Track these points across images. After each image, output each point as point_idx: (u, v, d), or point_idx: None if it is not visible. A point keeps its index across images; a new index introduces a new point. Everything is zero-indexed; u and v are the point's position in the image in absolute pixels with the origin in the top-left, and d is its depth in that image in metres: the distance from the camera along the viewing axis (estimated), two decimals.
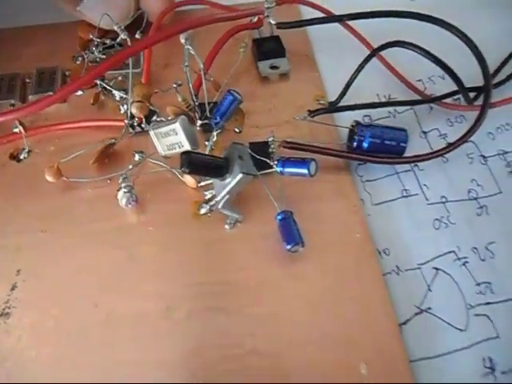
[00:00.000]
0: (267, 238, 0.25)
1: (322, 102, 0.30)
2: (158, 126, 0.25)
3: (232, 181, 0.23)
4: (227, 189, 0.24)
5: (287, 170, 0.24)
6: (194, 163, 0.22)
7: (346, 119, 0.29)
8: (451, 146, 0.27)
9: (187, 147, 0.24)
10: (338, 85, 0.30)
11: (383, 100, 0.31)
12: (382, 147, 0.27)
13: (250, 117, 0.30)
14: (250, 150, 0.26)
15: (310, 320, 0.23)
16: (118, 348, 0.23)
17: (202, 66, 0.27)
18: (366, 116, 0.30)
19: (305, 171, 0.24)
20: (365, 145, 0.27)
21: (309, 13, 0.33)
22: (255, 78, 0.31)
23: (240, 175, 0.23)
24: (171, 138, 0.24)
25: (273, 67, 0.31)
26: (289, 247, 0.23)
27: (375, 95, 0.31)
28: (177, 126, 0.24)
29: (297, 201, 0.27)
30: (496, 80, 0.31)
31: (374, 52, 0.28)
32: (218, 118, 0.25)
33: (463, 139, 0.27)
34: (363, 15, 0.31)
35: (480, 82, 0.29)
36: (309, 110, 0.28)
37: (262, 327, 0.23)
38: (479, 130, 0.29)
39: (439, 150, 0.27)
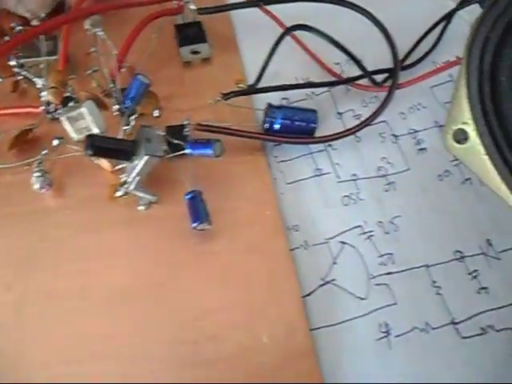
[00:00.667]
0: (181, 217, 0.26)
1: (240, 85, 0.31)
2: (68, 111, 0.25)
3: (139, 162, 0.24)
4: (136, 170, 0.25)
5: (195, 151, 0.25)
6: (97, 146, 0.23)
7: (266, 102, 0.30)
8: (357, 127, 0.28)
9: (95, 131, 0.25)
10: (259, 68, 0.31)
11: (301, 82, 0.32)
12: (293, 128, 0.28)
13: (171, 101, 0.31)
14: (164, 133, 0.26)
15: (220, 292, 0.24)
16: (28, 329, 0.23)
17: (113, 51, 0.27)
18: (284, 99, 0.31)
19: (210, 152, 0.25)
20: (276, 126, 0.28)
21: None
22: (178, 64, 0.32)
23: (145, 157, 0.24)
24: (80, 123, 0.25)
25: (194, 52, 0.32)
26: (194, 225, 0.24)
27: (294, 78, 0.32)
28: (83, 110, 0.24)
29: (212, 181, 0.28)
30: (410, 60, 0.32)
31: (283, 35, 0.29)
32: (128, 102, 0.26)
33: (370, 119, 0.28)
34: (279, 0, 0.31)
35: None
36: (222, 93, 0.28)
37: (175, 299, 0.24)
38: (391, 110, 0.31)
39: (346, 130, 0.28)
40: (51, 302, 0.24)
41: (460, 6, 0.34)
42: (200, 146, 0.25)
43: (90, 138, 0.23)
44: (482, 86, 0.26)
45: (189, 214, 0.25)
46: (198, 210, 0.24)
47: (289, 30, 0.27)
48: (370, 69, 0.32)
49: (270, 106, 0.28)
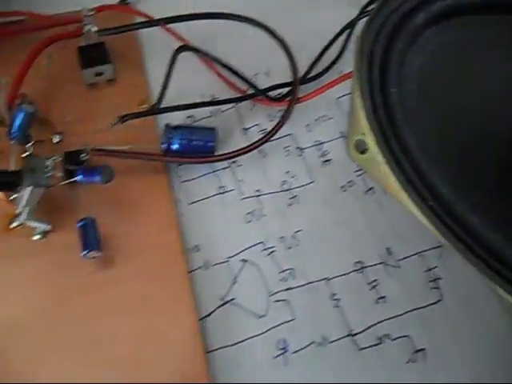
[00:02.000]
0: (77, 245, 0.25)
1: (143, 106, 0.31)
2: None
3: (24, 193, 0.24)
4: (23, 201, 0.24)
5: (84, 178, 0.25)
6: None
7: (173, 121, 0.29)
8: (257, 142, 0.28)
9: None
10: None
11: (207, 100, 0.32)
12: (192, 147, 0.28)
13: (74, 125, 0.30)
14: (61, 159, 0.26)
15: (114, 321, 0.24)
16: None
17: (3, 79, 0.27)
18: (189, 117, 0.31)
19: (97, 178, 0.24)
20: (175, 146, 0.28)
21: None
22: (82, 87, 0.31)
23: (29, 188, 0.24)
24: None
25: (98, 74, 0.31)
26: (84, 253, 0.24)
27: (200, 96, 0.32)
28: None
29: (111, 206, 0.27)
30: (317, 71, 0.32)
31: (173, 57, 0.28)
32: (14, 132, 0.25)
33: (269, 135, 0.28)
34: (180, 18, 0.31)
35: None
36: (119, 116, 0.28)
37: (68, 332, 0.24)
38: (297, 123, 0.31)
39: (247, 146, 0.28)
40: None
41: (361, 15, 0.35)
42: (88, 174, 0.24)
43: None
44: (373, 97, 0.27)
45: (79, 243, 0.25)
46: (88, 237, 0.24)
47: (177, 52, 0.27)
48: (276, 82, 0.32)
49: (167, 126, 0.28)
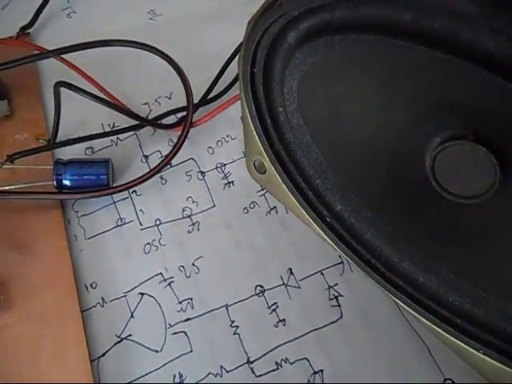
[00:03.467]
0: None
1: (42, 140, 0.30)
2: None
3: None
4: None
5: None
6: None
7: (72, 154, 0.29)
8: (153, 170, 0.28)
9: None
10: (65, 120, 0.29)
11: (108, 129, 0.32)
12: (84, 182, 0.28)
13: None
14: None
15: (5, 369, 0.23)
16: None
17: None
18: (88, 148, 0.31)
19: None
20: (66, 182, 0.27)
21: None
22: None
23: None
24: None
25: None
26: None
27: (101, 126, 0.32)
28: None
29: (5, 247, 0.27)
30: (218, 89, 0.32)
31: (54, 91, 0.28)
32: None
33: (161, 164, 0.28)
34: (72, 48, 0.31)
35: None
36: (7, 155, 0.28)
37: None
38: (199, 146, 0.31)
39: (141, 176, 0.28)
40: None
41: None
42: None
43: None
44: (263, 118, 0.26)
45: None
46: None
47: (56, 87, 0.27)
48: (179, 105, 0.32)
49: (56, 162, 0.27)
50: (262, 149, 0.28)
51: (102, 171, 0.27)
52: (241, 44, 0.33)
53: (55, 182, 0.27)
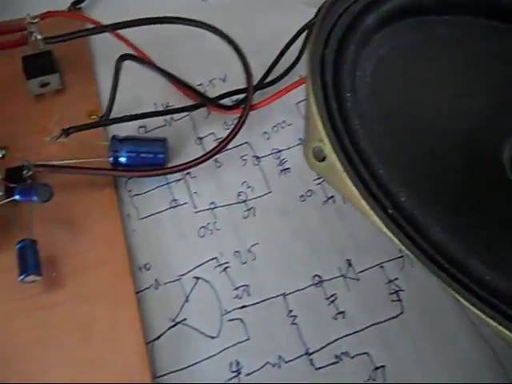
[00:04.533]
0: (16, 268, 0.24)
1: (94, 117, 0.30)
2: None
3: None
4: None
5: (22, 197, 0.24)
6: None
7: (125, 132, 0.28)
8: (209, 153, 0.27)
9: None
10: (117, 97, 0.28)
11: (161, 109, 0.31)
12: (140, 160, 0.27)
13: (18, 139, 0.29)
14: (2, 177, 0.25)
15: (55, 349, 0.23)
16: None
17: None
18: (141, 127, 0.30)
19: (35, 198, 0.23)
20: (122, 159, 0.27)
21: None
22: (27, 98, 0.30)
23: None
24: None
25: (44, 84, 0.30)
26: (21, 278, 0.23)
27: (154, 104, 0.31)
28: None
29: (56, 225, 0.26)
30: (274, 75, 0.31)
31: (117, 66, 0.27)
32: None
33: (221, 146, 0.27)
34: (130, 23, 0.30)
35: None
36: (62, 129, 0.27)
37: (5, 365, 0.22)
38: (255, 130, 0.30)
39: (200, 157, 0.27)
40: None
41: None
42: (25, 192, 0.23)
43: None
44: (328, 103, 0.26)
45: (17, 266, 0.23)
46: (26, 260, 0.23)
47: (119, 61, 0.26)
48: (233, 88, 0.31)
49: (113, 138, 0.27)
50: (324, 135, 0.27)
51: (159, 149, 0.27)
52: (305, 26, 0.32)
53: (111, 159, 0.26)
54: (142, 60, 0.26)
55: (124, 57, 0.25)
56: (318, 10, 0.33)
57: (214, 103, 0.29)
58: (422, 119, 0.23)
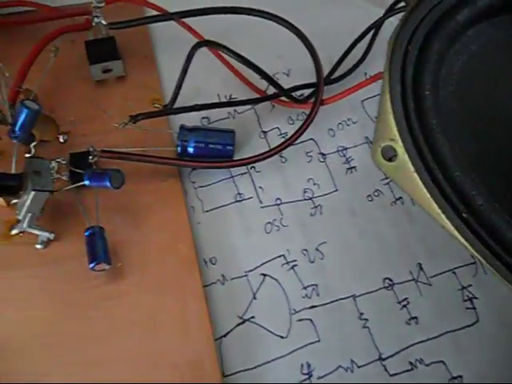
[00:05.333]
0: (82, 255, 0.23)
1: (157, 105, 0.29)
2: None
3: (27, 199, 0.22)
4: (25, 207, 0.22)
5: (93, 182, 0.23)
6: None
7: (187, 122, 0.28)
8: (278, 147, 0.26)
9: None
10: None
11: (224, 100, 0.30)
12: (208, 151, 0.26)
13: (80, 124, 0.28)
14: (65, 161, 0.24)
15: (121, 339, 0.22)
16: None
17: (6, 73, 0.25)
18: (204, 118, 0.29)
19: (107, 184, 0.22)
20: (190, 149, 0.26)
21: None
22: (89, 83, 0.29)
23: (32, 193, 0.22)
24: None
25: (106, 70, 0.29)
26: (91, 266, 0.22)
27: (216, 96, 0.30)
28: None
29: (121, 213, 0.25)
30: (340, 72, 0.30)
31: (191, 53, 0.26)
32: (16, 131, 0.23)
33: (292, 139, 0.26)
34: (196, 12, 0.29)
35: None
36: (130, 116, 0.26)
37: (71, 351, 0.22)
38: (320, 127, 0.29)
39: (267, 151, 0.26)
40: None
41: (388, 14, 0.33)
42: (97, 178, 0.22)
43: None
44: (405, 100, 0.25)
45: (86, 254, 0.23)
46: (95, 248, 0.22)
47: (196, 47, 0.25)
48: (297, 83, 0.31)
49: (182, 128, 0.26)
50: (397, 134, 0.26)
51: (229, 141, 0.26)
52: (373, 24, 0.31)
53: (179, 148, 0.25)
54: (223, 46, 0.25)
55: (202, 43, 0.25)
56: (390, 9, 0.32)
57: (288, 95, 0.28)
58: (508, 122, 0.23)
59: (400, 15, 0.33)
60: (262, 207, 0.27)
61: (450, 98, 0.24)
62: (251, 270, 0.25)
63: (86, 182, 0.23)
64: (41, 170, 0.22)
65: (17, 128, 0.23)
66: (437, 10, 0.23)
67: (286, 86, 0.30)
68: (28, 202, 0.22)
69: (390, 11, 0.32)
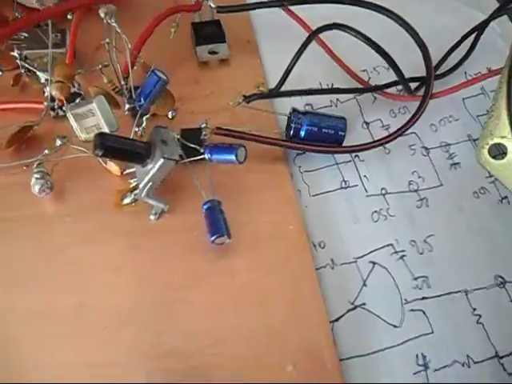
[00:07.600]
0: (195, 229, 0.23)
1: (261, 88, 0.29)
2: (75, 107, 0.23)
3: (153, 166, 0.22)
4: (149, 175, 0.22)
5: (215, 156, 0.23)
6: (108, 146, 0.20)
7: (288, 108, 0.27)
8: (390, 137, 0.26)
9: (105, 129, 0.22)
10: (280, 72, 0.28)
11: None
12: (320, 135, 0.26)
13: (186, 103, 0.28)
14: (179, 136, 0.24)
15: (236, 316, 0.22)
16: (21, 346, 0.21)
17: (128, 45, 0.25)
18: (307, 104, 0.29)
19: (232, 157, 0.22)
20: (302, 133, 0.26)
21: None
22: (193, 64, 0.30)
23: (161, 160, 0.21)
24: (89, 120, 0.23)
25: (212, 52, 0.29)
26: (213, 238, 0.22)
27: (318, 83, 0.30)
28: (93, 105, 0.22)
29: (230, 191, 0.25)
30: (441, 70, 0.30)
31: (312, 35, 0.27)
32: (141, 99, 0.24)
33: (402, 129, 0.26)
34: (305, 0, 0.30)
35: (424, 73, 0.28)
36: (244, 96, 0.26)
37: (183, 324, 0.21)
38: (422, 122, 0.29)
39: (377, 140, 0.26)
40: (38, 322, 0.21)
41: (491, 18, 0.33)
42: (221, 152, 0.22)
43: (101, 136, 0.20)
44: None
45: (206, 226, 0.22)
46: (216, 221, 0.22)
47: (319, 30, 0.25)
48: (394, 79, 0.30)
49: (295, 111, 0.26)
50: (509, 131, 0.26)
51: (341, 127, 0.26)
52: (476, 27, 0.31)
53: (292, 131, 0.25)
54: (353, 29, 0.25)
55: (325, 27, 0.25)
56: (498, 10, 0.32)
57: (407, 88, 0.27)
58: None
59: (498, 20, 0.33)
60: (367, 196, 0.26)
61: None
62: (360, 257, 0.24)
63: (207, 156, 0.23)
64: (167, 140, 0.22)
65: (143, 96, 0.23)
66: None
67: (387, 81, 0.30)
68: (154, 170, 0.22)
69: (493, 15, 0.32)
